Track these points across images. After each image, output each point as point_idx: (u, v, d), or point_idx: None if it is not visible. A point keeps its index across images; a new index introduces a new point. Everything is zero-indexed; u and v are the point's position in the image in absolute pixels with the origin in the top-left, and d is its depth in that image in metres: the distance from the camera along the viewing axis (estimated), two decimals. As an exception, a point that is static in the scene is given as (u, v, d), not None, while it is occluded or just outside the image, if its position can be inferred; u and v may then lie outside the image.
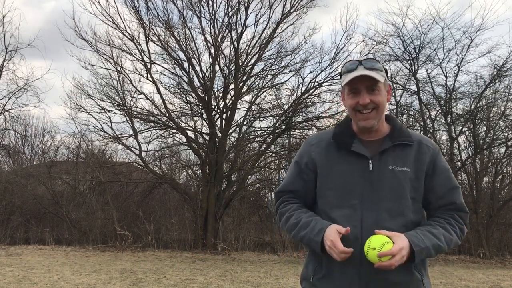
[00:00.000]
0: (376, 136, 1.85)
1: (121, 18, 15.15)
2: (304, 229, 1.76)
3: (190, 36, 11.98)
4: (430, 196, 1.81)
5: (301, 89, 12.30)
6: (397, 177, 1.75)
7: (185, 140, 12.40)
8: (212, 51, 12.01)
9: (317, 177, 1.85)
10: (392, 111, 12.99)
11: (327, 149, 1.85)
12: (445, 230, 1.75)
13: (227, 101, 12.18)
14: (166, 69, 12.49)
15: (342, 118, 1.94)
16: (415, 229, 1.72)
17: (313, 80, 12.16)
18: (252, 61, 12.22)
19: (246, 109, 12.70)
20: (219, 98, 12.44)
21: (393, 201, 1.73)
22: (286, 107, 12.51)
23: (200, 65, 12.17)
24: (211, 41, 11.99)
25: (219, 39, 11.91)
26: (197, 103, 12.29)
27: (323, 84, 12.10)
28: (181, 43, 11.89)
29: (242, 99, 12.64)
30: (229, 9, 11.73)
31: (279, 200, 1.96)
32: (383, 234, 1.64)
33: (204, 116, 12.14)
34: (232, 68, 12.20)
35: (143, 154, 12.62)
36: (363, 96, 1.76)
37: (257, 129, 13.27)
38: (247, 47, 12.16)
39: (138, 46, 11.87)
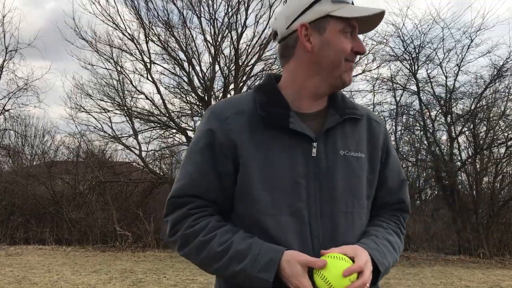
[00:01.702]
0: (316, 106, 1.27)
1: (121, 18, 15.17)
2: (240, 261, 1.11)
3: (190, 36, 12.01)
4: (379, 190, 1.32)
5: (301, 89, 12.31)
6: (352, 167, 1.23)
7: (185, 140, 12.41)
8: (212, 51, 12.03)
9: (237, 170, 1.20)
10: (392, 111, 13.02)
11: (251, 126, 1.21)
12: (398, 239, 1.30)
13: (227, 101, 12.19)
14: (166, 69, 12.52)
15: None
16: (370, 237, 1.22)
17: (313, 80, 12.18)
18: (252, 61, 12.25)
19: (246, 109, 12.71)
20: (219, 98, 12.45)
21: (349, 203, 1.21)
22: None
23: (200, 65, 12.20)
24: (211, 41, 12.00)
25: (219, 39, 11.93)
26: (197, 103, 12.30)
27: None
28: (181, 43, 11.91)
29: (242, 99, 12.64)
30: (229, 9, 11.75)
31: (179, 212, 1.22)
32: (336, 252, 1.11)
33: (204, 116, 12.15)
34: (232, 68, 12.21)
35: (143, 154, 12.65)
36: (360, 41, 1.24)
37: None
38: (247, 47, 12.18)
39: (138, 46, 11.90)
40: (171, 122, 12.19)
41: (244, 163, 1.19)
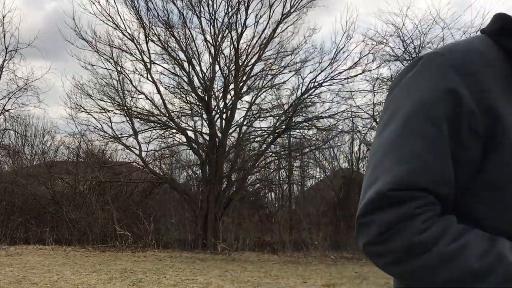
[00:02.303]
0: None
1: (121, 18, 15.11)
2: None
3: (190, 36, 12.03)
4: None
5: (301, 89, 12.34)
6: None
7: (185, 140, 12.43)
8: (212, 51, 12.04)
9: (487, 151, 0.79)
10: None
11: (509, 86, 0.81)
12: None
13: (227, 101, 12.20)
14: (166, 69, 12.54)
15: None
16: None
17: (313, 80, 12.19)
18: (252, 61, 12.26)
19: (246, 109, 12.73)
20: (219, 98, 12.47)
21: None
22: (286, 107, 12.53)
23: (200, 65, 12.21)
24: (211, 41, 12.02)
25: (219, 39, 11.94)
26: (197, 103, 12.31)
27: (323, 84, 12.17)
28: (181, 43, 11.92)
29: (242, 99, 12.67)
30: (229, 9, 11.77)
31: (399, 209, 0.76)
32: None
33: (204, 116, 12.17)
34: (232, 68, 12.22)
35: (143, 154, 12.65)
36: None
37: (257, 129, 13.31)
38: (247, 47, 12.20)
39: (138, 46, 11.93)
40: (171, 122, 12.19)
41: (506, 144, 0.79)
